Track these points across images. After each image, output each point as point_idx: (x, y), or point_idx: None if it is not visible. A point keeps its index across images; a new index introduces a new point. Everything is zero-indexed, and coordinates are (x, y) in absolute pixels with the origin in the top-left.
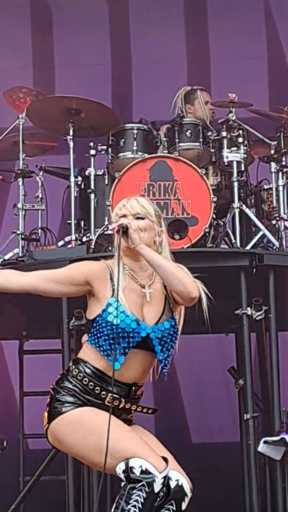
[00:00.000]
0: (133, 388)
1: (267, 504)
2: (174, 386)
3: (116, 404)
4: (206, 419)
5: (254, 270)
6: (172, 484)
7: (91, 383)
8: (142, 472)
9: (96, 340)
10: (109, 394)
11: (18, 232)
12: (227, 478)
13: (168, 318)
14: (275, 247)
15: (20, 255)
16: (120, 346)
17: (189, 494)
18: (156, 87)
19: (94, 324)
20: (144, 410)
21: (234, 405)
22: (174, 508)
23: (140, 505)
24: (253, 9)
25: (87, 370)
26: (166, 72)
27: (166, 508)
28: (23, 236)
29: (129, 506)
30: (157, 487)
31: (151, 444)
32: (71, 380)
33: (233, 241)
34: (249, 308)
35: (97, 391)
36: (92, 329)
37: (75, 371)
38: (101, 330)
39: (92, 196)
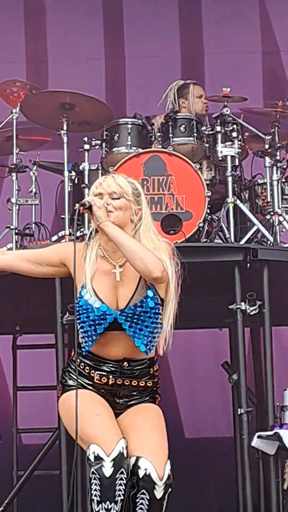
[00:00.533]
0: (124, 364)
1: (260, 499)
2: (168, 380)
3: (105, 381)
4: (199, 414)
5: (248, 265)
6: (140, 473)
7: (83, 364)
8: (95, 458)
9: (79, 324)
10: (97, 372)
11: (12, 227)
12: (221, 473)
13: (141, 297)
14: (269, 242)
15: (14, 250)
16: (91, 329)
17: (160, 483)
18: (150, 82)
19: (76, 310)
20: (142, 384)
21: (228, 399)
22: (148, 497)
23: (98, 493)
24: (247, 4)
25: (83, 353)
26: (160, 67)
27: (140, 497)
28: (16, 231)
29: (92, 497)
30: (107, 471)
31: (139, 427)
32: (71, 364)
33: (227, 236)
34: (243, 303)
35: (87, 372)
36: (76, 318)
37: (75, 356)
38: (77, 315)
39: (86, 191)
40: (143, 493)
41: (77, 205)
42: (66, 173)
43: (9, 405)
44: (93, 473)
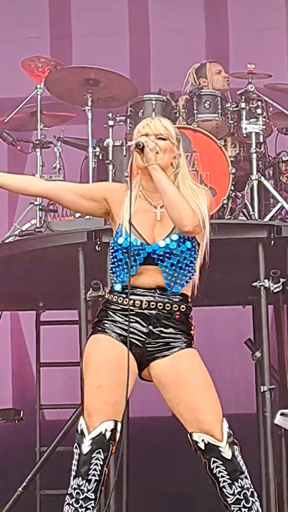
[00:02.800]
0: (158, 291)
1: (282, 476)
2: None
3: (138, 305)
4: (222, 390)
5: (272, 242)
6: (201, 446)
7: (116, 297)
8: (80, 432)
9: (113, 264)
10: (130, 297)
11: (35, 203)
12: (243, 450)
13: (177, 236)
14: None
15: (38, 226)
16: (127, 265)
17: (222, 444)
18: (174, 57)
19: (110, 249)
20: (175, 308)
21: (251, 377)
22: (220, 462)
23: (75, 467)
24: None
25: (113, 290)
26: (184, 43)
27: (214, 467)
28: (40, 207)
29: (72, 466)
30: (85, 448)
31: (184, 388)
32: (101, 307)
33: (251, 213)
34: (266, 280)
35: (120, 301)
36: (110, 257)
37: (105, 299)
38: (113, 253)
39: (110, 167)
40: (214, 462)
41: (130, 142)
42: (90, 149)
43: (32, 381)
44: (75, 447)
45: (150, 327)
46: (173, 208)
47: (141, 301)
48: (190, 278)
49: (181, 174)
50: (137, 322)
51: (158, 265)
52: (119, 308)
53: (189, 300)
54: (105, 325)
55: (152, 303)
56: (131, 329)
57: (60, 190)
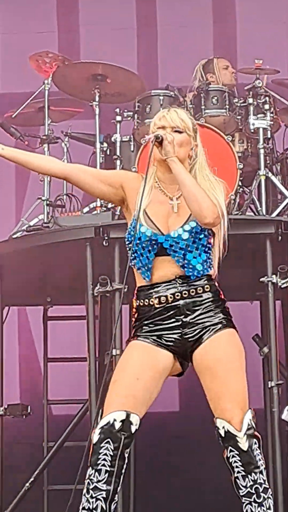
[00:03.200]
0: (179, 280)
1: None
2: None
3: (164, 301)
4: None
5: (280, 237)
6: (221, 432)
7: (141, 302)
8: (97, 422)
9: (131, 258)
10: (155, 297)
11: (43, 198)
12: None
13: (189, 227)
14: None
15: (45, 221)
16: (143, 257)
17: (240, 434)
18: (182, 52)
19: (127, 241)
20: (200, 290)
21: (258, 372)
22: (236, 452)
23: (89, 458)
24: None
25: (138, 295)
26: (192, 38)
27: (230, 456)
28: (48, 202)
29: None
30: (95, 437)
31: (211, 374)
32: (136, 313)
33: (259, 208)
34: (274, 276)
35: (146, 303)
36: (128, 250)
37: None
38: (129, 243)
39: (118, 162)
40: (231, 450)
41: (148, 135)
42: (97, 144)
43: (40, 376)
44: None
45: (182, 317)
46: (193, 200)
47: (166, 296)
48: (210, 264)
49: (198, 164)
50: (168, 316)
51: (171, 255)
52: (147, 311)
53: (213, 278)
54: (139, 331)
55: (177, 294)
56: (165, 326)
57: (81, 172)
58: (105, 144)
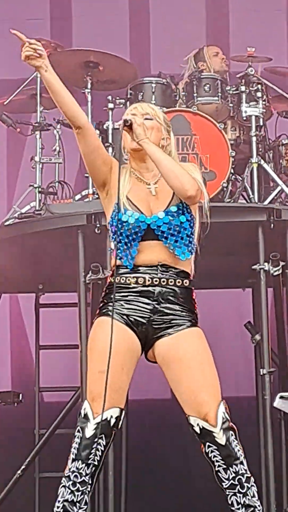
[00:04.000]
0: (160, 267)
1: (282, 460)
2: None
3: (142, 282)
4: (222, 373)
5: (272, 225)
6: (197, 429)
7: (118, 278)
8: (83, 416)
9: (115, 244)
10: (133, 275)
11: (35, 185)
12: (242, 433)
13: (175, 208)
14: None
15: (37, 208)
16: (129, 240)
17: (216, 430)
18: (174, 40)
19: (110, 228)
20: (179, 283)
21: (250, 360)
22: (214, 447)
23: (75, 451)
24: None
25: (115, 272)
26: (184, 25)
27: (210, 451)
28: (40, 190)
29: (70, 454)
30: (88, 432)
31: (182, 368)
32: (105, 290)
33: (251, 196)
34: (266, 263)
35: (123, 281)
36: (111, 234)
37: (108, 282)
38: (113, 230)
39: (110, 150)
40: (209, 446)
41: (118, 122)
42: None
43: (31, 364)
44: (77, 430)
45: (155, 303)
46: (172, 177)
47: (144, 278)
48: (192, 250)
49: (172, 156)
50: (141, 298)
51: (158, 236)
52: (122, 288)
53: (191, 277)
54: (109, 307)
55: (155, 279)
56: (135, 307)
57: (93, 134)
58: (97, 131)
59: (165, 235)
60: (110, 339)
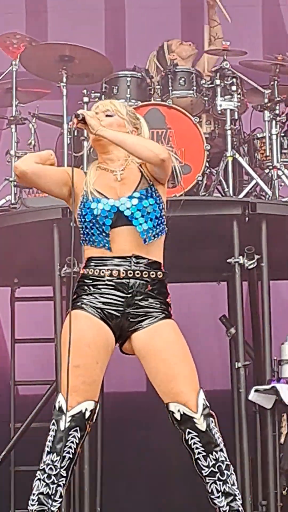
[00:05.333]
0: (134, 259)
1: (257, 453)
2: None
3: (116, 274)
4: (197, 367)
5: (247, 218)
6: (177, 416)
7: (92, 270)
8: (58, 409)
9: (85, 236)
10: (107, 268)
11: (10, 179)
12: (218, 426)
13: (143, 191)
14: (267, 196)
15: (13, 202)
16: (100, 225)
17: (197, 416)
18: (150, 34)
19: (79, 220)
20: (152, 275)
21: (226, 353)
22: (195, 433)
23: (50, 444)
24: None
25: (88, 264)
26: (160, 19)
27: (189, 438)
28: (15, 183)
29: (47, 442)
30: (63, 425)
31: (159, 357)
32: (78, 282)
33: (226, 189)
34: (241, 257)
35: (96, 273)
36: (81, 229)
37: (81, 274)
38: (82, 220)
39: (85, 143)
40: (189, 433)
41: (71, 122)
42: (65, 125)
43: (7, 357)
44: (52, 423)
45: (129, 296)
46: (140, 148)
47: (119, 271)
48: (160, 233)
49: None
50: (115, 291)
51: (128, 217)
52: (95, 281)
53: (162, 267)
54: (83, 300)
55: (129, 271)
56: (109, 300)
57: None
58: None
59: (135, 216)
60: (69, 330)
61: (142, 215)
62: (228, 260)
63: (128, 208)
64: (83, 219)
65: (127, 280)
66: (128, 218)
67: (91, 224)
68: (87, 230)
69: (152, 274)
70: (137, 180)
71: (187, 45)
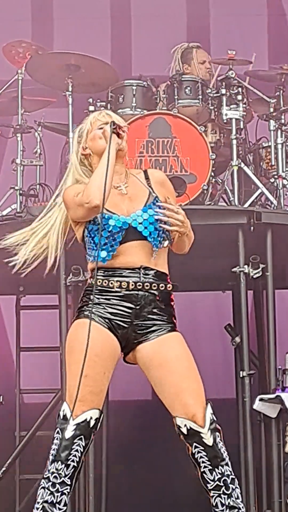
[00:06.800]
0: (142, 270)
1: (261, 461)
2: None
3: (125, 286)
4: (202, 376)
5: (252, 228)
6: (184, 430)
7: (100, 280)
8: (62, 417)
9: (93, 252)
10: (116, 279)
11: (16, 187)
12: (222, 435)
13: (150, 204)
14: (273, 205)
15: (18, 210)
16: (109, 240)
17: (204, 431)
18: (156, 43)
19: (87, 238)
20: (162, 287)
21: (230, 362)
22: (201, 448)
23: (55, 452)
24: None
25: (95, 274)
26: (166, 28)
27: (196, 452)
28: (21, 192)
29: (49, 455)
30: (68, 433)
31: (168, 372)
32: (85, 291)
33: (231, 199)
34: (246, 266)
35: (105, 284)
36: (88, 246)
37: (88, 284)
38: (91, 239)
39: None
40: (196, 447)
41: (105, 127)
42: (70, 134)
43: (12, 366)
44: (57, 432)
45: (137, 308)
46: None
47: (128, 283)
48: (167, 240)
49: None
50: (124, 303)
51: (142, 232)
52: (104, 291)
53: (168, 278)
54: (94, 310)
55: (138, 283)
56: (117, 311)
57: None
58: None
59: (148, 230)
60: (87, 343)
61: (155, 228)
62: (233, 269)
63: (140, 223)
64: (93, 234)
65: (136, 292)
66: (141, 233)
67: (101, 237)
68: (94, 241)
69: (162, 286)
70: (145, 196)
71: (205, 69)
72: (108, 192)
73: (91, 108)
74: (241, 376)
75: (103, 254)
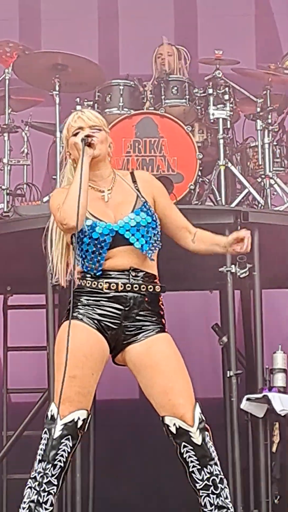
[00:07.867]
0: (132, 272)
1: (249, 461)
2: None
3: (114, 288)
4: (190, 375)
5: (239, 227)
6: (172, 430)
7: (89, 282)
8: (50, 417)
9: (82, 259)
10: (105, 281)
11: (3, 187)
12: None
13: (139, 211)
14: (260, 205)
15: (5, 210)
16: (97, 248)
17: (193, 429)
18: (143, 42)
19: (75, 244)
20: (150, 289)
21: (218, 362)
22: (190, 447)
23: (42, 452)
24: None
25: (84, 276)
26: (153, 28)
27: (184, 451)
28: (8, 191)
29: (38, 451)
30: (55, 433)
31: (157, 372)
32: (74, 293)
33: (218, 198)
34: (233, 266)
35: (94, 286)
36: (76, 251)
37: (77, 285)
38: (80, 243)
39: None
40: (184, 446)
41: (81, 140)
42: (58, 133)
43: None
44: (44, 432)
45: (126, 309)
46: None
47: (117, 284)
48: (159, 245)
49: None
50: (113, 304)
51: (129, 239)
52: (93, 293)
53: (157, 279)
54: (79, 311)
55: (127, 285)
56: (107, 312)
57: None
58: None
59: (135, 237)
60: (67, 345)
61: (142, 235)
62: (220, 269)
63: (127, 230)
64: (80, 242)
65: (125, 294)
66: (128, 240)
67: (87, 246)
68: (85, 247)
69: (150, 288)
70: (133, 200)
71: (160, 63)
72: (84, 210)
73: (78, 107)
74: (228, 375)
75: (93, 266)
